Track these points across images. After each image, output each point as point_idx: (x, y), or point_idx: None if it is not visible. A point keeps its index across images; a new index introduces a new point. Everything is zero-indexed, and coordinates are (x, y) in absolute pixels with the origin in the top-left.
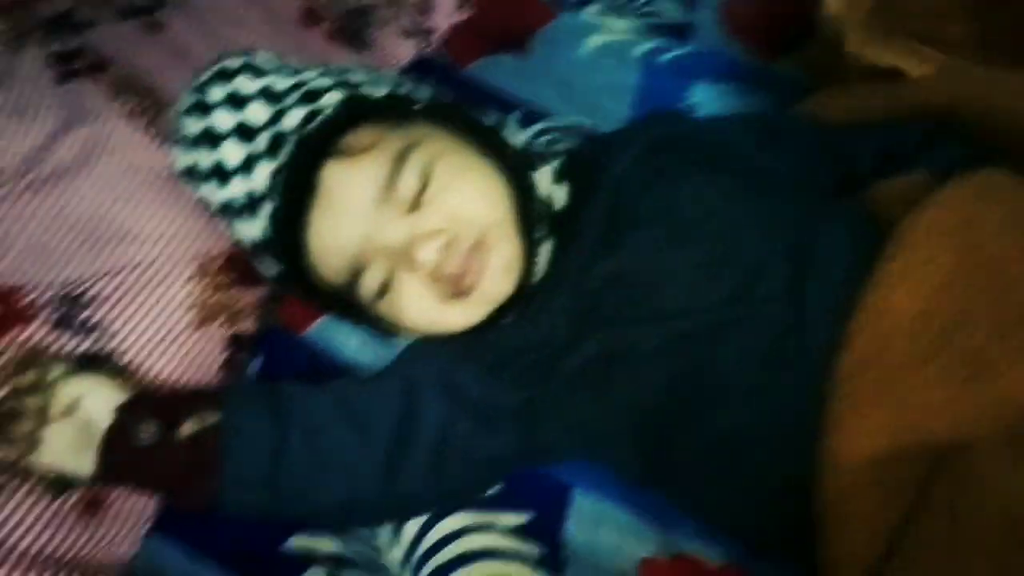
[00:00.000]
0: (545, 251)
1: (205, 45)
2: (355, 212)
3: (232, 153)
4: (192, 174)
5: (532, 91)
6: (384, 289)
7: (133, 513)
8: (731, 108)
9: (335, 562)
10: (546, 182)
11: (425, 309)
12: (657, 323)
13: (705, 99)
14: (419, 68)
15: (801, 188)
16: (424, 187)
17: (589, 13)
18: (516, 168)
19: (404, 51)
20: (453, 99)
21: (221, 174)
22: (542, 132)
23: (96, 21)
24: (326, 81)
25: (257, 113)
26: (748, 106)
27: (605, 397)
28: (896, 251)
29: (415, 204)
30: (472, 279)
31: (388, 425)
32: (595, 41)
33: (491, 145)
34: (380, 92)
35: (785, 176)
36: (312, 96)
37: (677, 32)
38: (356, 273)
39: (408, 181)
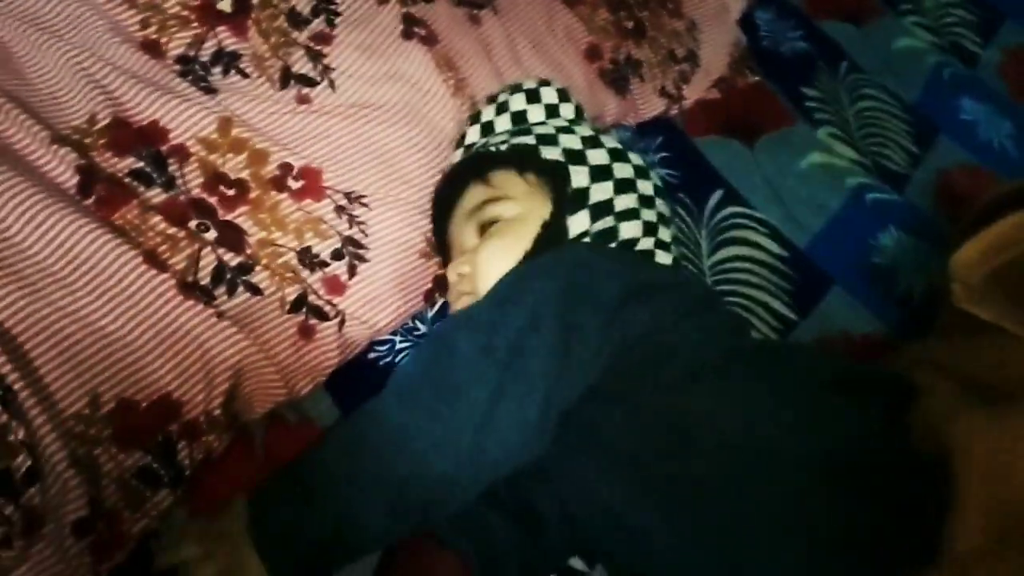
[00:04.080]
0: None
1: (506, 49)
2: (459, 216)
3: (471, 136)
4: (461, 142)
5: (742, 178)
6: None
7: None
8: (910, 260)
9: None
10: None
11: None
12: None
13: (891, 244)
14: (656, 123)
15: None
16: (487, 226)
17: (823, 133)
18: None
19: (652, 107)
20: (673, 159)
21: (465, 148)
22: (735, 215)
23: None
24: (540, 128)
25: (501, 122)
26: (922, 262)
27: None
28: None
29: (480, 233)
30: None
31: None
32: (817, 158)
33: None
34: (571, 145)
35: None
36: (520, 132)
37: (893, 179)
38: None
39: (482, 217)
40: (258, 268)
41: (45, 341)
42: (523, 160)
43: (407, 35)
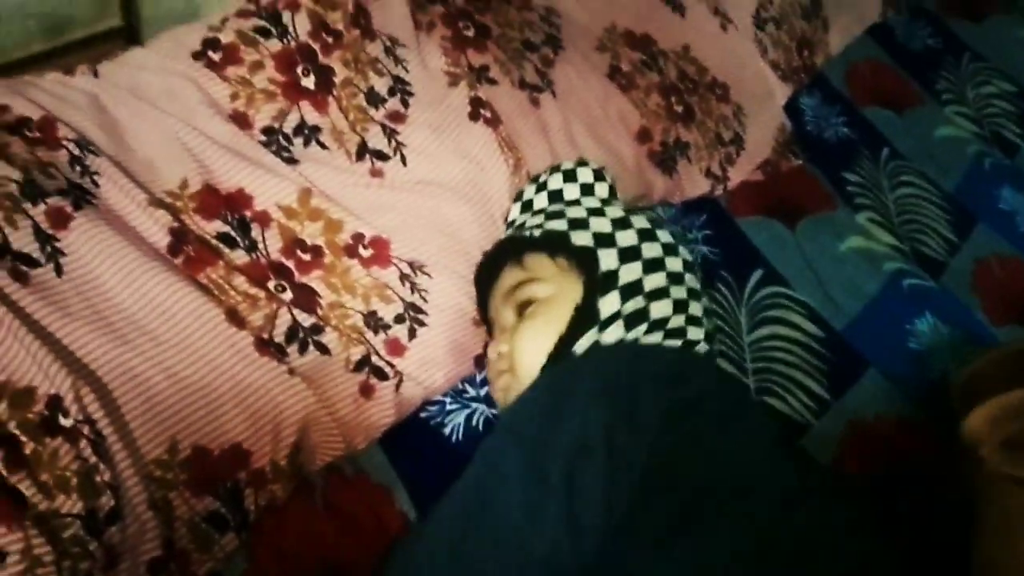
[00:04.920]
0: None
1: (562, 130)
2: (497, 295)
3: (513, 213)
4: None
5: (782, 259)
6: None
7: None
8: (945, 346)
9: None
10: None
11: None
12: None
13: (927, 330)
14: (700, 202)
15: None
16: (524, 306)
17: (863, 217)
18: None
19: (697, 187)
20: (716, 238)
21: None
22: (775, 295)
23: (500, 81)
24: (574, 209)
25: (540, 200)
26: (957, 349)
27: None
28: None
29: (517, 313)
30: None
31: None
32: (857, 242)
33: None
34: (601, 229)
35: None
36: (554, 215)
37: (931, 265)
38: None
39: (518, 298)
40: (328, 328)
41: (132, 389)
42: (554, 245)
43: (474, 116)
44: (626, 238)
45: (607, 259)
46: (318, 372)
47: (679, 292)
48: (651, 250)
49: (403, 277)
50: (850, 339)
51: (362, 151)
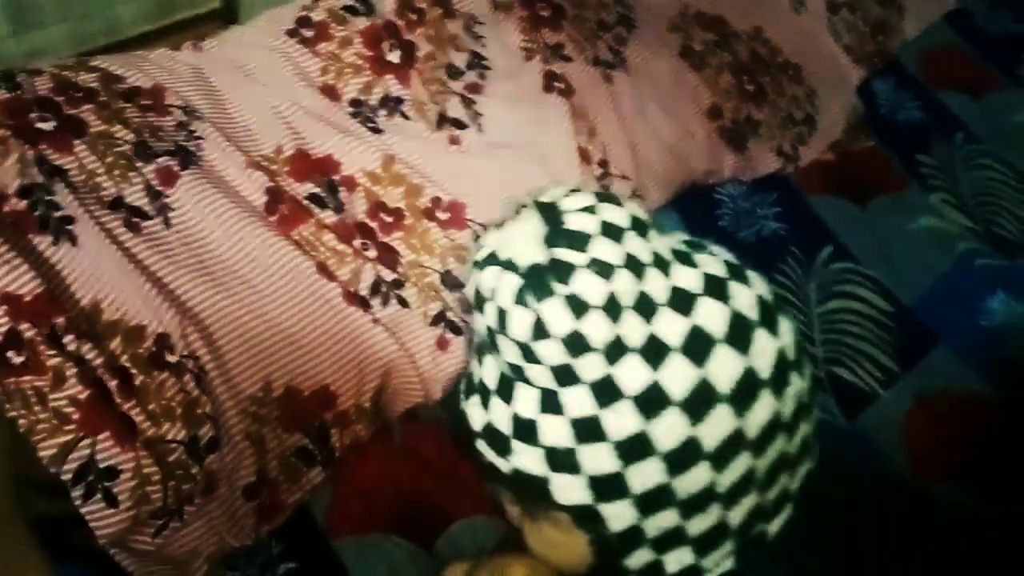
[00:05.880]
0: None
1: (634, 105)
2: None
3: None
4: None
5: (852, 236)
6: None
7: None
8: (1018, 324)
9: None
10: None
11: None
12: None
13: (1000, 308)
14: (771, 180)
15: None
16: None
17: (935, 198)
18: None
19: (767, 164)
20: (786, 214)
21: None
22: (844, 271)
23: (574, 58)
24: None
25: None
26: None
27: None
28: None
29: None
30: None
31: None
32: (928, 222)
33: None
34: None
35: None
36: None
37: (1006, 246)
38: None
39: None
40: (408, 285)
41: (232, 332)
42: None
43: (547, 88)
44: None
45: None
46: (399, 324)
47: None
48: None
49: (478, 239)
50: (920, 314)
51: (441, 120)
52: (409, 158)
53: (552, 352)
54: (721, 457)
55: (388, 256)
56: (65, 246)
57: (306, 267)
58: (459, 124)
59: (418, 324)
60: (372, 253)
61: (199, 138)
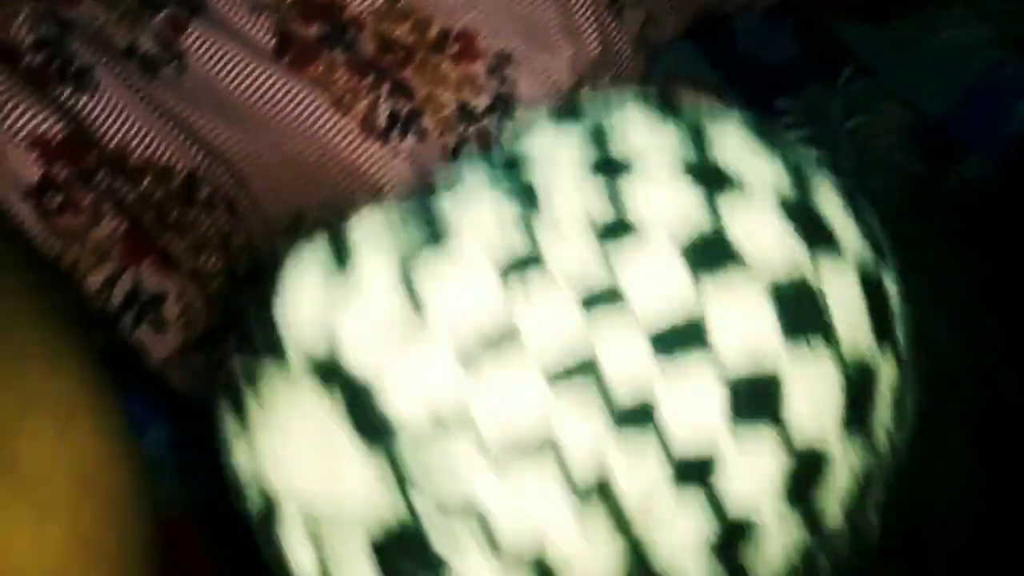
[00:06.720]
0: None
1: None
2: None
3: None
4: None
5: (873, 55)
6: None
7: None
8: None
9: None
10: None
11: None
12: None
13: None
14: (785, 5)
15: None
16: None
17: (958, 10)
18: None
19: None
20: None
21: None
22: (867, 87)
23: None
24: None
25: None
26: None
27: None
28: None
29: None
30: None
31: None
32: (954, 35)
33: None
34: None
35: None
36: None
37: None
38: None
39: None
40: (424, 117)
41: (257, 169)
42: None
43: None
44: None
45: None
46: (418, 157)
47: None
48: None
49: (491, 70)
50: (948, 125)
51: None
52: None
53: None
54: None
55: (403, 89)
56: (87, 94)
57: (321, 102)
58: None
59: (437, 157)
60: (386, 87)
61: None
